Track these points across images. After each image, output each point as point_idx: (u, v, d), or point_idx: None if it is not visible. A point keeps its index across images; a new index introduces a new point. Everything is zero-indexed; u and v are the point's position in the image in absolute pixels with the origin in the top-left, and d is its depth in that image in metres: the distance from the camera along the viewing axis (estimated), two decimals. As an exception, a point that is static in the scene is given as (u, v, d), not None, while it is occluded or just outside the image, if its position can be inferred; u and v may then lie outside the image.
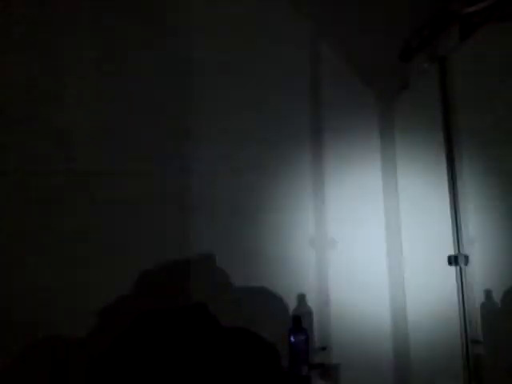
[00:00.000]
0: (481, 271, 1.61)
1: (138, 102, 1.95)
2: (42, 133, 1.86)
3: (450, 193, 1.74)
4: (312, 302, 1.95)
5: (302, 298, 1.92)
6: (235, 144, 2.00)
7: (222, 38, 2.07)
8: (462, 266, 1.66)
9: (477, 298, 1.61)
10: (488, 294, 1.55)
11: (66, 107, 1.91)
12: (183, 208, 1.90)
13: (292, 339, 1.73)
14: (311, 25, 2.16)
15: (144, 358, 1.38)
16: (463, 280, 1.65)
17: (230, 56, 2.06)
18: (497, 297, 1.52)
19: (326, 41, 2.17)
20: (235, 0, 2.11)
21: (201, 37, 2.05)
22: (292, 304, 1.91)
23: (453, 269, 1.68)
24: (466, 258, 1.65)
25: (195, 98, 2.00)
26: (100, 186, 1.85)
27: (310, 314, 1.92)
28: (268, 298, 1.88)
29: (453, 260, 1.68)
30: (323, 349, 1.91)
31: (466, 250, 1.67)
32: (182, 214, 1.90)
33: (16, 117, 1.85)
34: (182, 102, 1.99)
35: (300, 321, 1.75)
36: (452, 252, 1.69)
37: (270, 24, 2.12)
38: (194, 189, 1.93)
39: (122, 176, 1.87)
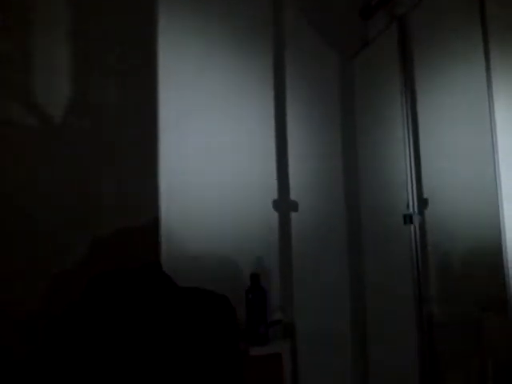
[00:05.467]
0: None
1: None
2: None
3: (405, 147, 1.76)
4: (273, 262, 1.97)
5: (260, 259, 1.94)
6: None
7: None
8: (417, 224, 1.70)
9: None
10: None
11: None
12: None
13: (249, 296, 1.74)
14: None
15: (98, 319, 1.36)
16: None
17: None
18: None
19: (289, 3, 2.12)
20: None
21: None
22: (253, 265, 1.92)
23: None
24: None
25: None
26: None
27: (269, 273, 1.93)
28: (229, 258, 1.89)
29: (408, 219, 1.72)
30: (281, 308, 1.94)
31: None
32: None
33: None
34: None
35: (258, 278, 1.76)
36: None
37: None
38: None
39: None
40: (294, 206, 2.03)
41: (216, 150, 1.94)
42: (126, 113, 1.86)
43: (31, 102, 1.79)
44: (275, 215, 2.00)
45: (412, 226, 1.71)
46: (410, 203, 1.73)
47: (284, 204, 2.02)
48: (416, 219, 1.70)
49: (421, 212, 1.70)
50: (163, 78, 1.90)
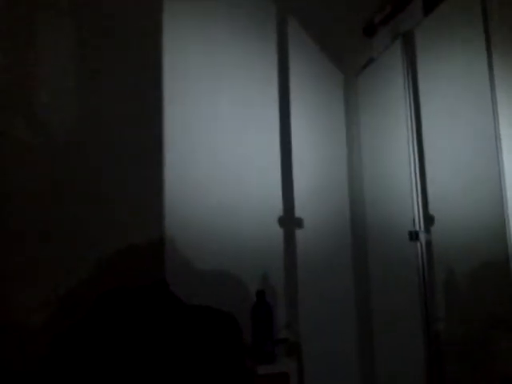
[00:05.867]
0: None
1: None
2: None
3: (410, 163, 1.76)
4: (279, 279, 1.97)
5: (266, 275, 1.93)
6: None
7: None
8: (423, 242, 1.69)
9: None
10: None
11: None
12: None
13: (255, 313, 1.73)
14: (279, 6, 2.14)
15: (106, 336, 1.36)
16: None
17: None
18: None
19: (294, 20, 2.15)
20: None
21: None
22: (258, 282, 1.92)
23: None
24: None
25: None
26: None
27: (274, 289, 1.93)
28: (234, 275, 1.89)
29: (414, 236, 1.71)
30: (287, 326, 1.93)
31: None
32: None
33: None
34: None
35: (263, 295, 1.75)
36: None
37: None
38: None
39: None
40: (299, 223, 2.03)
41: (220, 166, 1.96)
42: (132, 129, 1.88)
43: (41, 119, 1.82)
44: (280, 232, 2.00)
45: (418, 244, 1.70)
46: (416, 220, 1.72)
47: (289, 221, 2.02)
48: (422, 236, 1.70)
49: (427, 229, 1.69)
50: (168, 94, 1.92)
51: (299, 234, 2.03)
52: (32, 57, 1.83)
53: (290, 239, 2.01)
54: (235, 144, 2.00)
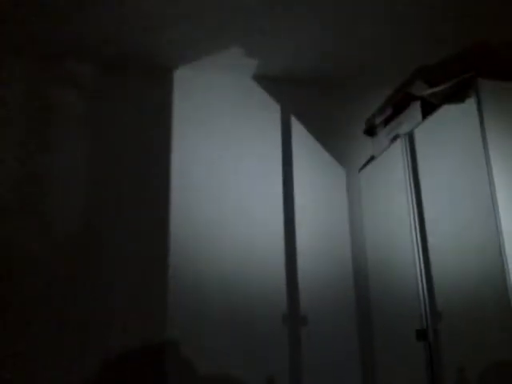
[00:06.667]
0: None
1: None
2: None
3: (416, 262, 1.76)
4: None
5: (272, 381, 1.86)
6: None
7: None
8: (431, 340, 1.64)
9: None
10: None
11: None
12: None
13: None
14: (283, 108, 2.28)
15: None
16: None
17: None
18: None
19: (298, 119, 2.29)
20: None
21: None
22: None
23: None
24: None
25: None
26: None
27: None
28: (238, 378, 1.81)
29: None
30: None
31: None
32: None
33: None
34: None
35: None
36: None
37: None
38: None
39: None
40: (304, 320, 1.98)
41: (221, 270, 1.97)
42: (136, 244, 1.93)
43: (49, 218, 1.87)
44: (285, 330, 1.95)
45: (426, 343, 1.64)
46: (423, 317, 1.68)
47: (293, 318, 1.98)
48: (430, 334, 1.65)
49: (435, 326, 1.65)
50: (175, 179, 2.00)
51: (304, 330, 1.97)
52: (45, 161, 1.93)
53: (294, 339, 1.95)
54: (239, 246, 2.01)
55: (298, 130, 2.27)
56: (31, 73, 2.01)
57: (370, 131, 2.24)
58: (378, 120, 2.13)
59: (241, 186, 2.10)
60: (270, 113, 2.26)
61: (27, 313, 1.72)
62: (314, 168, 2.24)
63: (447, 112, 1.68)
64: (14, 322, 1.70)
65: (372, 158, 2.21)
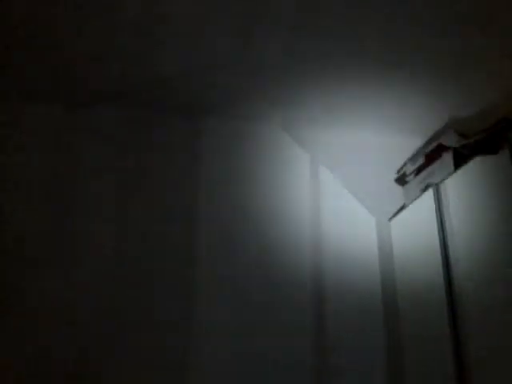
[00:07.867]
0: None
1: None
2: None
3: (448, 315, 1.71)
4: None
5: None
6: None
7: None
8: None
9: None
10: None
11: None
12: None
13: None
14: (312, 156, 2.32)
15: None
16: None
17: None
18: None
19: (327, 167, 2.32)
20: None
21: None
22: None
23: None
24: None
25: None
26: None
27: None
28: None
29: None
30: None
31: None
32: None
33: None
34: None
35: None
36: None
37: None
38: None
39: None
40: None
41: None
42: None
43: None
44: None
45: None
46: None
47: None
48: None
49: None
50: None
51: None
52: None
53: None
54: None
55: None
56: (54, 120, 2.07)
57: (401, 180, 2.25)
58: (410, 169, 2.14)
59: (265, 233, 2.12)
60: (299, 162, 2.29)
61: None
62: (342, 215, 2.24)
63: (480, 163, 1.67)
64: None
65: (403, 207, 2.19)
